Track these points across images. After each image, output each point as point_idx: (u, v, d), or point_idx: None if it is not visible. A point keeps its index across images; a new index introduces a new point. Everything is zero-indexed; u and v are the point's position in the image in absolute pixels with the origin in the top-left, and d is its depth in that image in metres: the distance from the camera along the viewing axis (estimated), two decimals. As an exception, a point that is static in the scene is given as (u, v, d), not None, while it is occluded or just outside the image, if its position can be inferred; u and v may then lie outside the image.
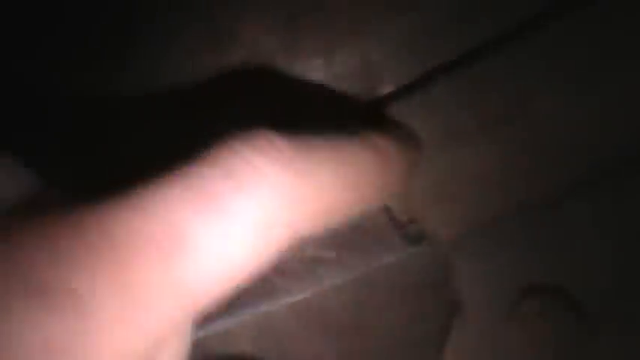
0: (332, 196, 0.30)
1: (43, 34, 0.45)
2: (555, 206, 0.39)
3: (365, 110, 0.43)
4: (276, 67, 0.47)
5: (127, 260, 0.24)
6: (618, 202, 0.39)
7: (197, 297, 0.26)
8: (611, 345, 0.37)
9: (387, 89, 0.45)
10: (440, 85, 0.42)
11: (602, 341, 0.37)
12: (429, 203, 0.41)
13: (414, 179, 0.41)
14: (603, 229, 0.39)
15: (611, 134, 0.38)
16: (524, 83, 0.39)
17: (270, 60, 0.48)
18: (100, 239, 0.24)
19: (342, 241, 0.41)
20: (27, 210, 0.26)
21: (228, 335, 0.47)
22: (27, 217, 0.25)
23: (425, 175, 0.41)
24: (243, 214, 0.27)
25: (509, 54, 0.40)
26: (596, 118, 0.38)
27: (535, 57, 0.39)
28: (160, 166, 0.28)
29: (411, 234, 0.42)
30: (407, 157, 0.36)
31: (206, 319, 0.46)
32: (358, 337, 0.47)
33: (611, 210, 0.39)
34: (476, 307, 0.40)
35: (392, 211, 0.41)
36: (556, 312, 0.37)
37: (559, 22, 0.38)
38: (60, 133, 0.46)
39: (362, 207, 0.33)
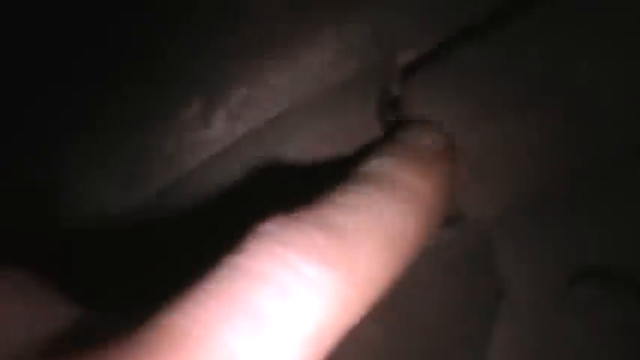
0: (377, 276, 0.28)
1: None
2: (605, 178, 0.36)
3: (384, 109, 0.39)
4: (285, 43, 0.44)
5: None
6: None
7: None
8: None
9: (407, 57, 0.41)
10: (468, 51, 0.38)
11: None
12: (466, 182, 0.38)
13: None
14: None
15: None
16: (562, 44, 0.35)
17: (278, 35, 0.44)
18: None
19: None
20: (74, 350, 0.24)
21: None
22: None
23: (458, 150, 0.38)
24: (292, 328, 0.25)
25: (545, 11, 0.36)
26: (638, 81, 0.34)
27: (572, 15, 0.35)
28: (190, 272, 0.25)
29: (447, 215, 0.39)
30: (444, 180, 0.32)
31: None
32: (402, 317, 0.45)
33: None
34: (524, 293, 0.37)
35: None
36: (615, 295, 0.34)
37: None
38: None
39: (412, 256, 0.31)
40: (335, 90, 0.42)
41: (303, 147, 0.41)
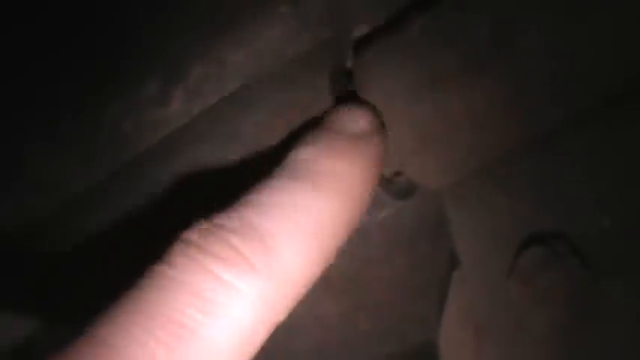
0: (302, 272, 0.28)
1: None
2: (549, 148, 0.36)
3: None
4: (241, 19, 0.44)
5: None
6: (614, 139, 0.36)
7: None
8: (617, 293, 0.35)
9: (360, 31, 0.42)
10: (418, 22, 0.38)
11: (607, 288, 0.35)
12: (415, 153, 0.38)
13: (396, 128, 0.38)
14: (600, 168, 0.36)
15: (600, 67, 0.35)
16: (510, 15, 0.35)
17: (234, 11, 0.44)
18: None
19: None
20: None
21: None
22: None
23: (408, 122, 0.38)
24: (212, 336, 0.25)
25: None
26: (584, 51, 0.34)
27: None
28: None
29: (399, 188, 0.39)
30: (372, 162, 0.31)
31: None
32: (359, 293, 0.46)
33: (606, 147, 0.36)
34: (474, 260, 0.38)
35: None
36: (560, 262, 0.35)
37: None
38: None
39: (341, 245, 0.31)
40: (289, 64, 0.42)
41: (259, 122, 0.41)
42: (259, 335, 0.27)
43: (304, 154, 0.30)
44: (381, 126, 0.33)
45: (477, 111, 0.37)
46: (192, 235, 0.28)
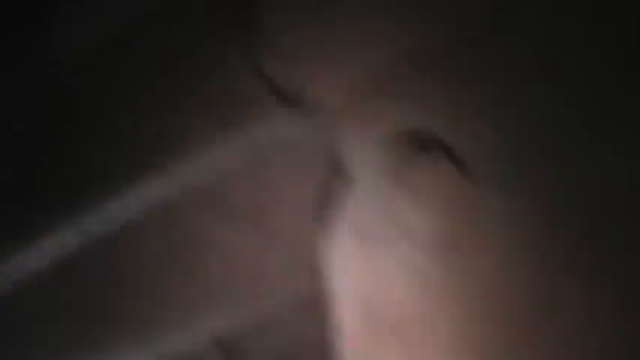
0: None
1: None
2: (440, 56, 0.37)
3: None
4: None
5: None
6: (504, 55, 0.36)
7: None
8: (497, 199, 0.35)
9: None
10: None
11: (486, 197, 0.35)
12: (307, 66, 0.39)
13: (294, 46, 0.39)
14: (491, 81, 0.36)
15: None
16: None
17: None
18: None
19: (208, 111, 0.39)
20: None
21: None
22: None
23: (299, 34, 0.39)
24: None
25: None
26: None
27: None
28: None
29: (289, 98, 0.40)
30: None
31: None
32: (259, 219, 0.46)
33: (498, 61, 0.36)
34: (362, 171, 0.38)
35: (265, 73, 0.39)
36: (436, 164, 0.35)
37: None
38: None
39: None
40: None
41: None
42: None
43: None
44: None
45: (368, 22, 0.37)
46: None
